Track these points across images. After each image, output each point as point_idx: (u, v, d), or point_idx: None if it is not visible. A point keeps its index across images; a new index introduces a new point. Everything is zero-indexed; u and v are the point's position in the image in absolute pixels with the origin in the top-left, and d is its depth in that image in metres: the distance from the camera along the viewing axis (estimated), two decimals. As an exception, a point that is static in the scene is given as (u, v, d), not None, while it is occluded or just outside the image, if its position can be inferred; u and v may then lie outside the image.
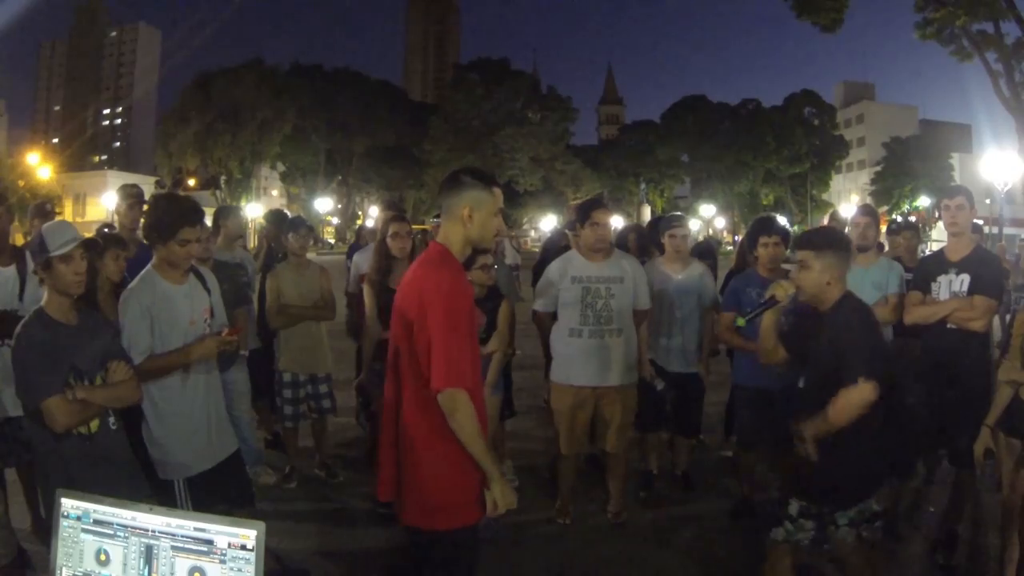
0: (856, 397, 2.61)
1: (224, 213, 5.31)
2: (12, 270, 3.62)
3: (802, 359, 2.94)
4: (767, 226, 4.35)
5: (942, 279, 3.79)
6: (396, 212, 4.76)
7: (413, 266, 2.52)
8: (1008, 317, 6.30)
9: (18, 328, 2.55)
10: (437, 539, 2.36)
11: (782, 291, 2.90)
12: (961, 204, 3.78)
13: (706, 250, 6.63)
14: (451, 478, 2.31)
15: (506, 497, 2.31)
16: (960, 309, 3.65)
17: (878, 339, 2.87)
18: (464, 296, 2.36)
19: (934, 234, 28.63)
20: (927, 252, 7.27)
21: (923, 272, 3.95)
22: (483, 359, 4.15)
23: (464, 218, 2.38)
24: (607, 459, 4.38)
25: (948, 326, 3.70)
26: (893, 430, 2.77)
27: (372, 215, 38.14)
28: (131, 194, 4.62)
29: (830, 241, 2.88)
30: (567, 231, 5.85)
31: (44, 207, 5.00)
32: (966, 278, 3.71)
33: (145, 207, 4.32)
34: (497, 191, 2.45)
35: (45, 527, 3.42)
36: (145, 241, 3.23)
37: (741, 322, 3.15)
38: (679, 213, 5.84)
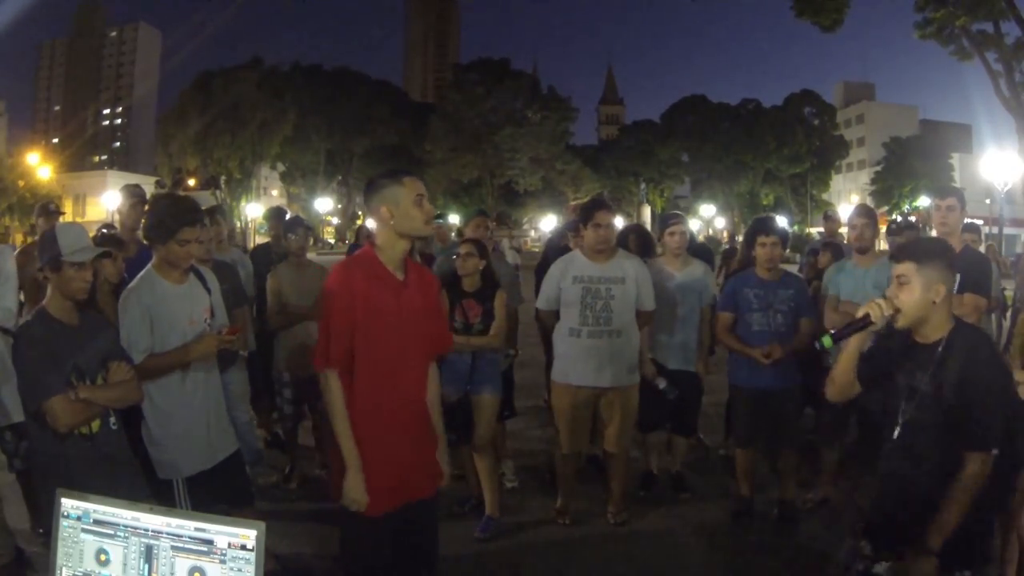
0: (980, 473, 2.18)
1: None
2: None
3: (877, 391, 2.45)
4: (765, 226, 4.36)
5: None
6: None
7: None
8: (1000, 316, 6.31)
9: (20, 327, 2.56)
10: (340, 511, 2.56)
11: (878, 310, 2.25)
12: (952, 205, 3.82)
13: (700, 251, 6.57)
14: (336, 456, 2.52)
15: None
16: None
17: (1010, 395, 2.37)
18: (340, 291, 2.47)
19: (934, 234, 28.59)
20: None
21: None
22: (487, 353, 4.17)
23: (385, 217, 2.50)
24: (607, 459, 4.38)
25: None
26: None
27: (372, 215, 37.80)
28: (134, 194, 4.63)
29: (935, 252, 2.33)
30: (568, 232, 5.85)
31: (48, 207, 5.01)
32: (955, 277, 3.71)
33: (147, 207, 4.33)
34: (409, 180, 2.51)
35: (44, 528, 3.43)
36: (145, 241, 3.23)
37: (828, 343, 2.35)
38: (678, 212, 5.84)
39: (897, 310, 2.26)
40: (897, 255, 2.35)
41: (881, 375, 2.40)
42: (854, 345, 2.39)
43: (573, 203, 6.62)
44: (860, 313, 2.32)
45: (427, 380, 2.68)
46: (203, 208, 3.92)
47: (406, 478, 2.54)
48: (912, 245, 2.46)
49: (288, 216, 6.28)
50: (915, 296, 2.25)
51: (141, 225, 3.97)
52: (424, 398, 2.66)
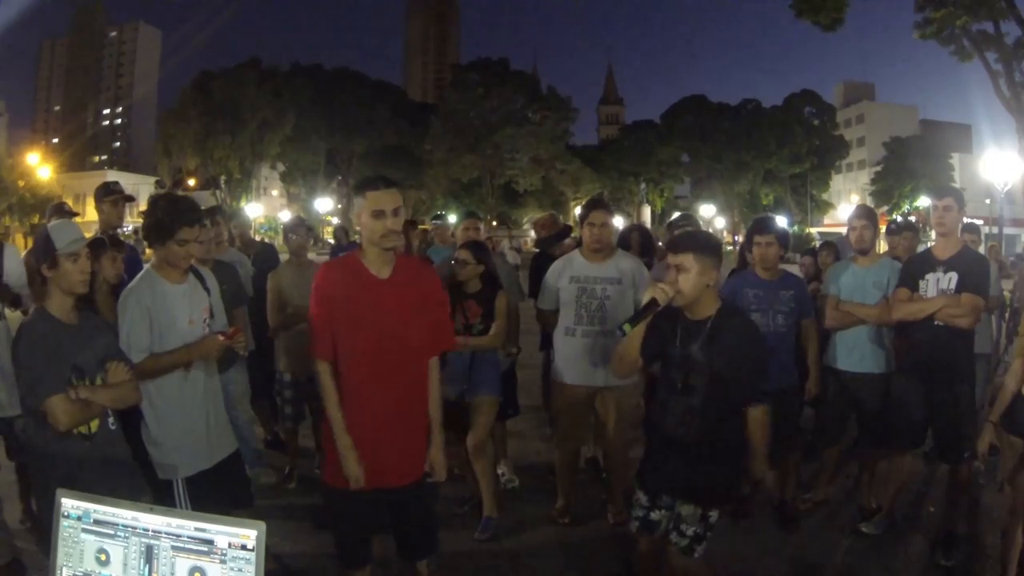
0: (762, 419, 2.80)
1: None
2: None
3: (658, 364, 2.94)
4: (762, 226, 4.36)
5: (930, 277, 3.82)
6: None
7: None
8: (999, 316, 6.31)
9: (20, 326, 2.57)
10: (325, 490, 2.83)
11: (662, 294, 2.69)
12: (949, 205, 3.82)
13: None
14: (329, 438, 2.72)
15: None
16: (948, 306, 3.67)
17: (765, 355, 2.89)
18: (317, 290, 2.69)
19: (933, 234, 28.57)
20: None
21: (911, 270, 3.97)
22: (486, 355, 4.17)
23: (355, 222, 2.85)
24: (607, 459, 4.38)
25: (935, 323, 3.72)
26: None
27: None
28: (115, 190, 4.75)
29: (708, 244, 2.79)
30: (545, 244, 5.82)
31: (63, 207, 5.08)
32: (954, 276, 3.74)
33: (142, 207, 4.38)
34: (372, 194, 2.63)
35: (38, 526, 3.43)
36: (144, 241, 3.23)
37: (628, 328, 2.72)
38: (687, 213, 5.83)
39: (678, 292, 2.69)
40: (676, 247, 2.76)
41: (658, 349, 2.85)
42: (642, 327, 2.78)
43: (537, 218, 6.83)
44: (645, 299, 2.72)
45: (423, 371, 2.80)
46: (203, 208, 3.95)
47: (390, 462, 2.69)
48: (689, 239, 2.83)
49: (210, 209, 6.33)
50: (692, 281, 2.68)
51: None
52: (417, 388, 2.77)
